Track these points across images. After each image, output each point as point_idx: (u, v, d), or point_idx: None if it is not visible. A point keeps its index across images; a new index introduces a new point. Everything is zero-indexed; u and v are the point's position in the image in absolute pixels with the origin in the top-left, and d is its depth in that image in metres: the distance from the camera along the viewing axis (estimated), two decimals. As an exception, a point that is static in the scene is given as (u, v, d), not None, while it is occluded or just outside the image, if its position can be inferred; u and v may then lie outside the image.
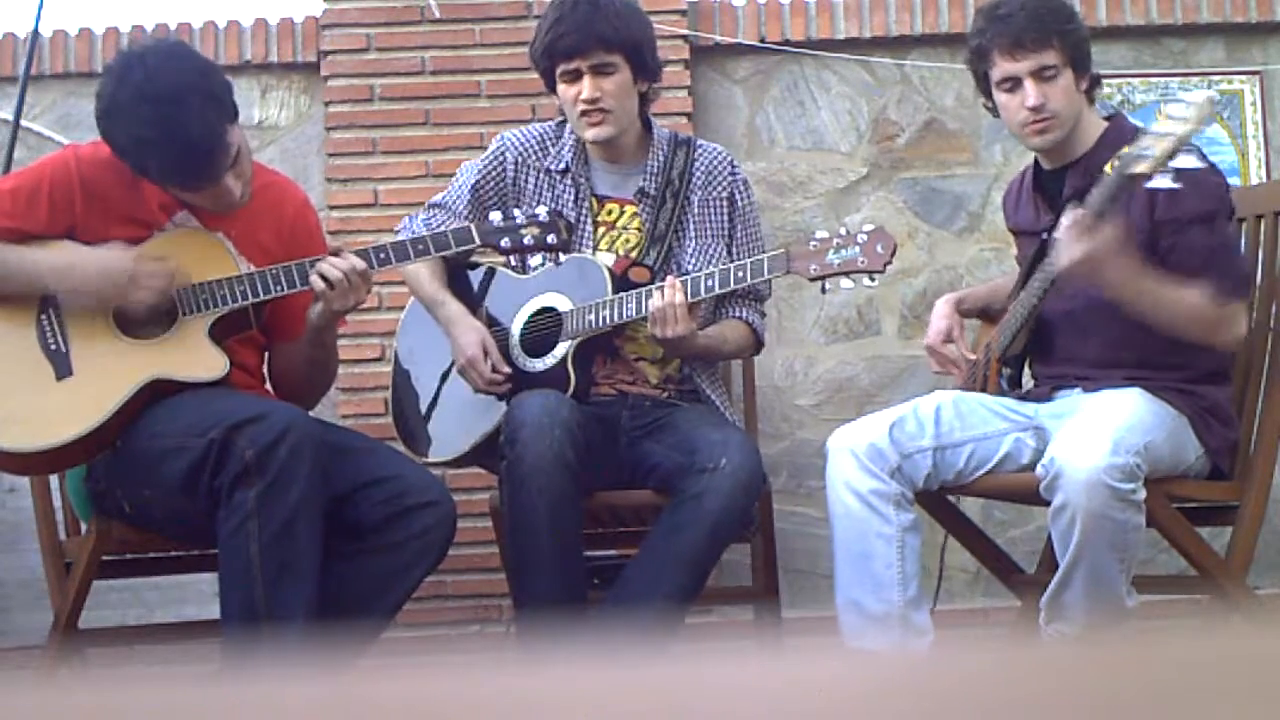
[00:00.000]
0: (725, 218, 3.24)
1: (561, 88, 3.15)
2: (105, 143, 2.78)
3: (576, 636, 2.83)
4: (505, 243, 2.96)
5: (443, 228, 3.19)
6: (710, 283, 3.02)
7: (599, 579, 3.49)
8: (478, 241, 2.95)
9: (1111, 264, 2.73)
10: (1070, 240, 2.72)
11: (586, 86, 3.11)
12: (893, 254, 2.95)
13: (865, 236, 2.95)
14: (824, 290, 3.01)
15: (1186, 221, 2.83)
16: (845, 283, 2.98)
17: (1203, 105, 2.58)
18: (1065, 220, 2.76)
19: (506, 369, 3.10)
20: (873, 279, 2.97)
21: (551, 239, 2.97)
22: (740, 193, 3.27)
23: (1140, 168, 2.61)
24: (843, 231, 2.99)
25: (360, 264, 2.81)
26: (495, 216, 2.97)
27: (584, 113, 3.12)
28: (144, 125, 2.69)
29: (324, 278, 2.78)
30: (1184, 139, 2.59)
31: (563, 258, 3.15)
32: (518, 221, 2.96)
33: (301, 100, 4.48)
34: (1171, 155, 2.60)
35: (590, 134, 3.15)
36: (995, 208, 4.44)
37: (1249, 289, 2.91)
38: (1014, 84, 2.92)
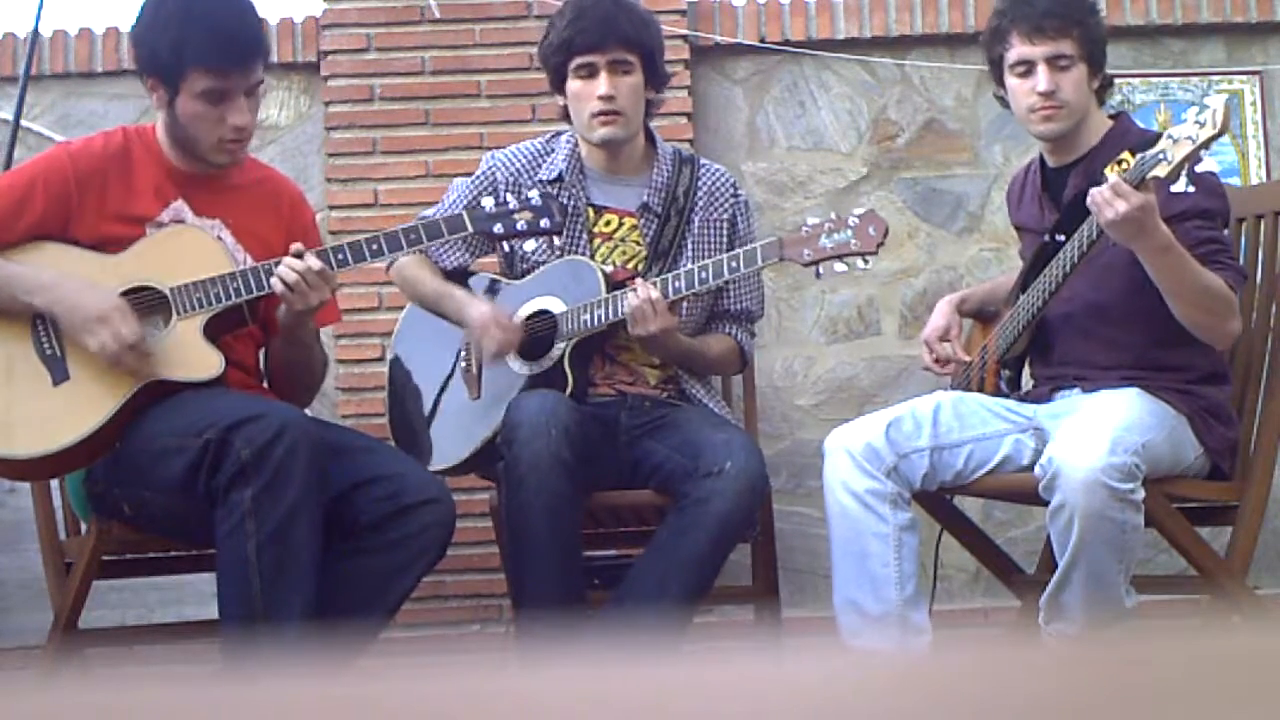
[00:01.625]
0: (725, 239, 3.23)
1: (575, 85, 3.12)
2: (142, 56, 2.81)
3: (576, 636, 2.83)
4: (498, 229, 2.93)
5: (434, 243, 3.18)
6: (704, 274, 3.02)
7: (598, 579, 3.49)
8: (470, 228, 2.91)
9: (1159, 219, 2.69)
10: (1118, 193, 2.64)
11: (604, 83, 3.09)
12: (885, 235, 2.95)
13: (857, 220, 2.96)
14: (818, 275, 3.01)
15: (1186, 215, 2.83)
16: (839, 266, 2.98)
17: (1221, 111, 2.58)
18: (1111, 178, 2.68)
19: (517, 323, 3.09)
20: (866, 261, 2.97)
21: (545, 223, 2.94)
22: (741, 216, 3.27)
23: (1159, 171, 2.62)
24: (834, 216, 3.00)
25: (317, 264, 2.78)
26: (488, 203, 2.94)
27: (599, 112, 3.11)
28: (190, 5, 2.77)
29: (283, 280, 2.77)
30: (1203, 145, 2.59)
31: (555, 242, 3.13)
32: (510, 207, 2.93)
33: (301, 100, 4.48)
34: (1190, 160, 2.61)
35: (601, 133, 3.13)
36: (995, 208, 4.45)
37: (1243, 280, 2.91)
38: (1028, 68, 2.93)
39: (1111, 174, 2.72)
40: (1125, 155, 2.81)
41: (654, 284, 3.00)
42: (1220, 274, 2.80)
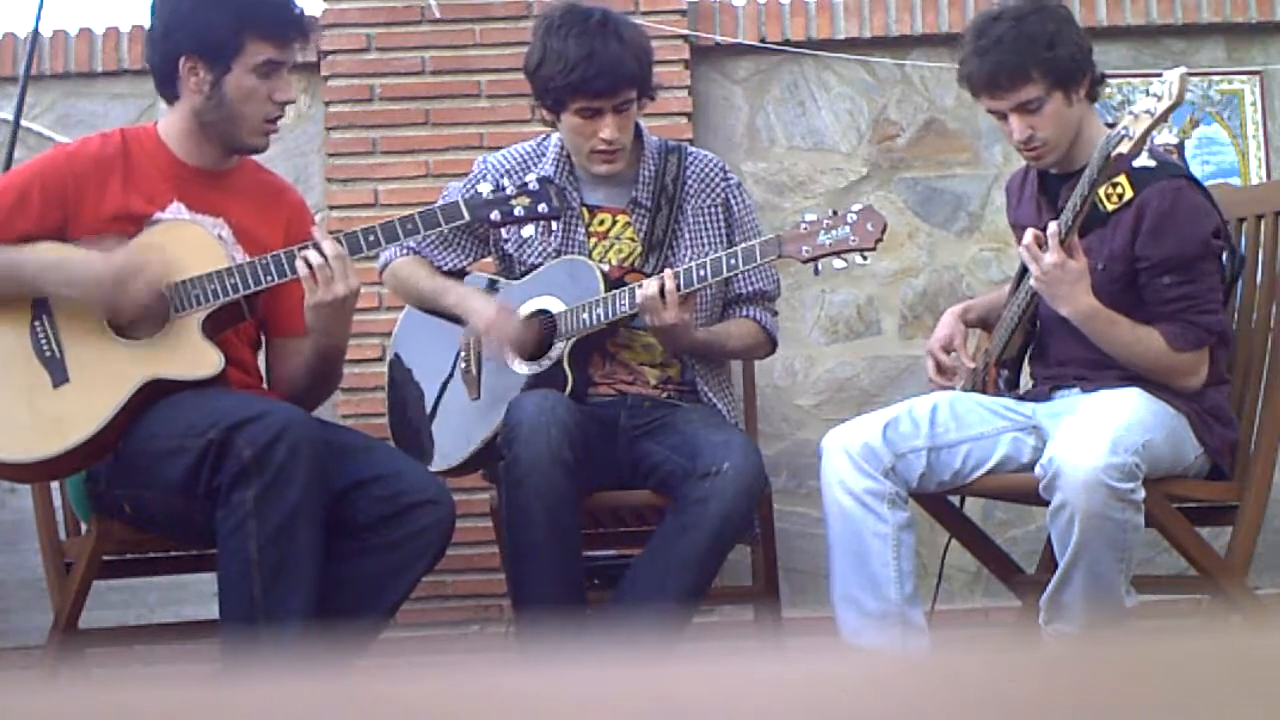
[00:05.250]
0: (721, 224, 3.22)
1: (575, 121, 3.07)
2: (189, 33, 2.82)
3: (576, 636, 2.83)
4: (495, 215, 2.90)
5: (429, 247, 3.17)
6: (703, 272, 3.01)
7: (598, 579, 3.49)
8: (466, 217, 2.88)
9: (1067, 292, 2.78)
10: (1029, 260, 2.78)
11: (609, 127, 3.05)
12: (883, 231, 2.93)
13: (855, 216, 2.95)
14: (816, 271, 3.00)
15: (1159, 265, 2.84)
16: (838, 263, 2.97)
17: (1177, 82, 2.59)
18: (1026, 237, 2.80)
19: (521, 318, 3.08)
20: (864, 257, 2.97)
21: (543, 208, 2.91)
22: (735, 198, 3.24)
23: (1122, 148, 2.64)
24: (832, 212, 2.98)
25: (342, 250, 2.79)
26: (484, 188, 2.91)
27: (601, 151, 3.09)
28: None
29: (307, 263, 2.78)
30: (1162, 117, 2.61)
31: (553, 230, 3.12)
32: (507, 193, 2.90)
33: (301, 100, 4.48)
34: (1150, 133, 2.63)
35: (604, 170, 3.12)
36: (995, 208, 4.45)
37: (1212, 338, 2.90)
38: (1001, 116, 2.92)
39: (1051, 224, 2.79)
40: (1121, 179, 2.82)
41: (668, 275, 2.97)
42: (1177, 335, 2.83)
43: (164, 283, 2.77)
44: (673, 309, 2.96)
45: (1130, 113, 2.66)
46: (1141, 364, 2.86)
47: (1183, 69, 2.65)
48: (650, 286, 2.97)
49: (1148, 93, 2.65)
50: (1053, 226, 2.78)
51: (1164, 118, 2.61)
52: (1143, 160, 2.73)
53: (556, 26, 3.07)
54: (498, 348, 3.10)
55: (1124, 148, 2.64)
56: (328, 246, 2.78)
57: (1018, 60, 2.84)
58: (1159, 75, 2.68)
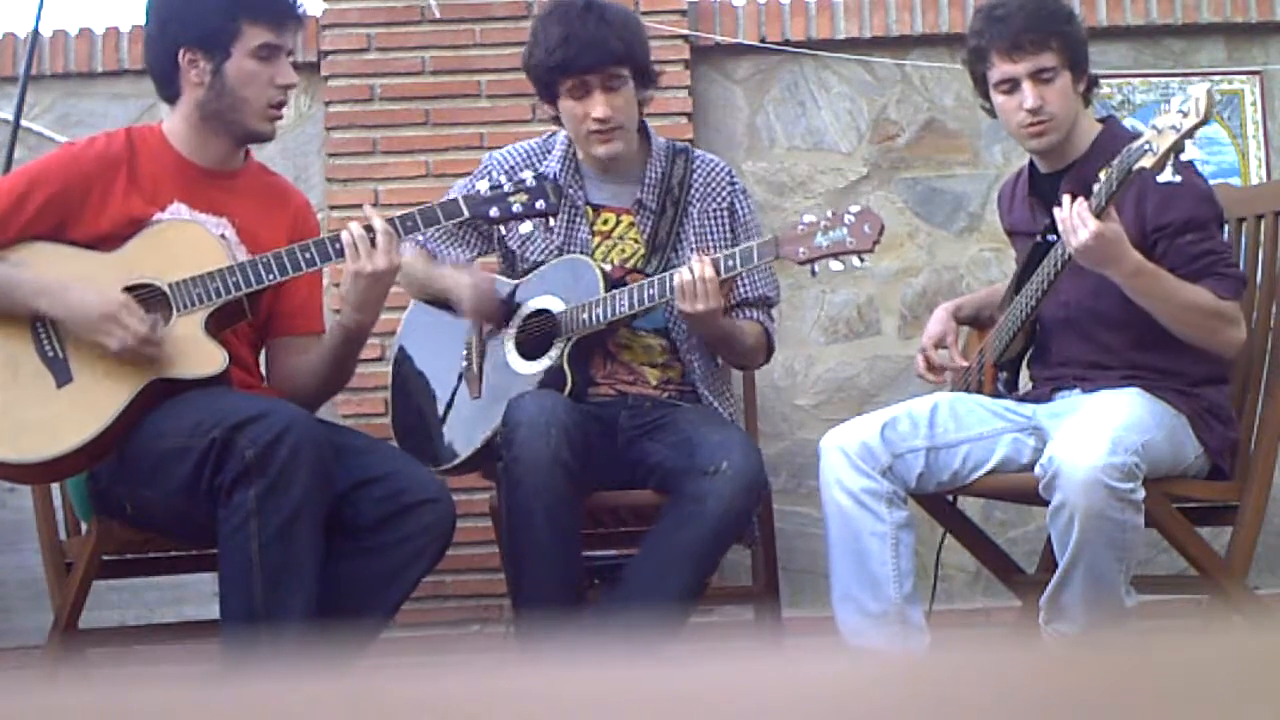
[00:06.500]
0: (726, 228, 3.22)
1: (568, 104, 3.09)
2: (184, 26, 2.83)
3: (576, 636, 2.83)
4: (494, 212, 2.92)
5: (432, 241, 3.18)
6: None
7: (598, 579, 3.49)
8: (466, 214, 2.90)
9: (1125, 246, 2.73)
10: (1080, 221, 2.71)
11: (599, 104, 3.06)
12: (880, 233, 2.92)
13: (852, 217, 2.94)
14: (813, 274, 3.00)
15: (1178, 228, 2.83)
16: (834, 264, 2.96)
17: (1204, 99, 2.59)
18: (1075, 205, 2.73)
19: (494, 296, 3.09)
20: (862, 259, 2.96)
21: (540, 204, 2.92)
22: (740, 202, 3.25)
23: (1145, 162, 2.62)
24: (829, 214, 2.98)
25: (390, 228, 2.80)
26: (482, 186, 2.93)
27: (596, 131, 3.09)
28: None
29: (351, 234, 2.79)
30: (1187, 134, 2.59)
31: (552, 225, 3.12)
32: (505, 190, 2.92)
33: (301, 100, 4.48)
34: (1176, 150, 2.61)
35: (602, 151, 3.12)
36: (995, 208, 4.44)
37: (1244, 293, 2.91)
38: (1012, 86, 2.92)
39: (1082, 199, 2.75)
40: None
41: (707, 261, 2.96)
42: (1216, 285, 2.81)
43: (148, 338, 2.73)
44: (713, 295, 2.94)
45: (1154, 127, 2.64)
46: (1194, 317, 2.82)
47: (1208, 85, 2.64)
48: (687, 274, 2.95)
49: (1168, 107, 2.63)
50: (1081, 203, 2.73)
51: (1190, 134, 2.59)
52: None
53: (544, 17, 3.13)
54: (466, 314, 3.11)
55: (1146, 162, 2.63)
56: (376, 223, 2.80)
57: (1040, 26, 2.89)
58: (1158, 76, 2.68)
